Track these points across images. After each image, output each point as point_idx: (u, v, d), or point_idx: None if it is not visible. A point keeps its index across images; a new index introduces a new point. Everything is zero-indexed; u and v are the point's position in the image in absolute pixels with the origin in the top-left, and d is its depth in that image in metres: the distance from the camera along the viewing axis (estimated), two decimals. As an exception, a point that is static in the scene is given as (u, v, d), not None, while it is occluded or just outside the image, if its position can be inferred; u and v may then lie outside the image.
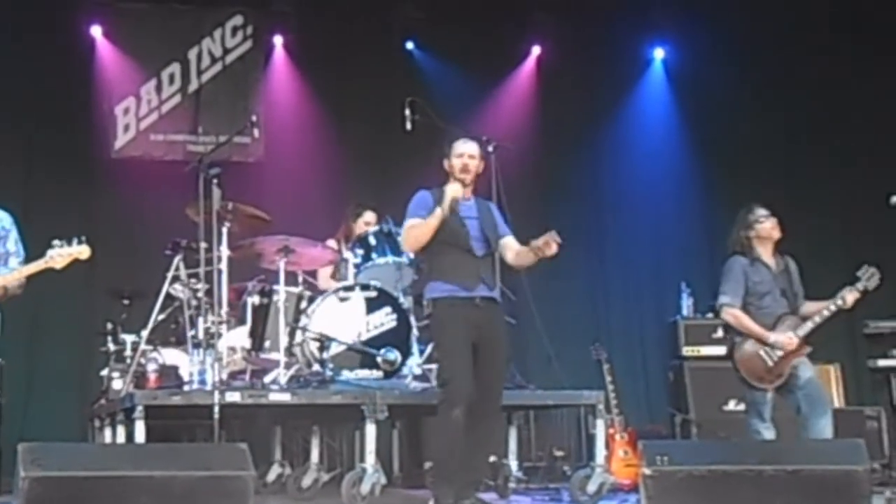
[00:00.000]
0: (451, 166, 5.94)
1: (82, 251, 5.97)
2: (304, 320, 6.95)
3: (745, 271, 6.61)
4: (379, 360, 6.82)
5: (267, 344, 7.06)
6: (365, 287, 6.95)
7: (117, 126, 9.99)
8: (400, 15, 10.38)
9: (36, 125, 9.70)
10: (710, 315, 8.79)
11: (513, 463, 7.21)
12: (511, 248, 5.98)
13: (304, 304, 7.10)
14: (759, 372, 6.49)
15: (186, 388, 6.74)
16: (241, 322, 7.28)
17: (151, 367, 7.14)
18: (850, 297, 6.50)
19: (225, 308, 6.89)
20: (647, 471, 5.19)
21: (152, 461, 4.82)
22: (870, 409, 8.82)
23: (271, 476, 7.75)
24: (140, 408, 6.02)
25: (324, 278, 7.75)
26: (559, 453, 9.01)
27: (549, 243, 5.64)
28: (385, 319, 6.92)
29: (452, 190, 5.82)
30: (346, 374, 6.76)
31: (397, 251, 7.10)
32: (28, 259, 6.07)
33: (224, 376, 6.67)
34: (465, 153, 5.95)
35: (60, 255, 5.91)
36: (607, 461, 7.24)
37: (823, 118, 10.45)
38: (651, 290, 10.45)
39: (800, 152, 10.51)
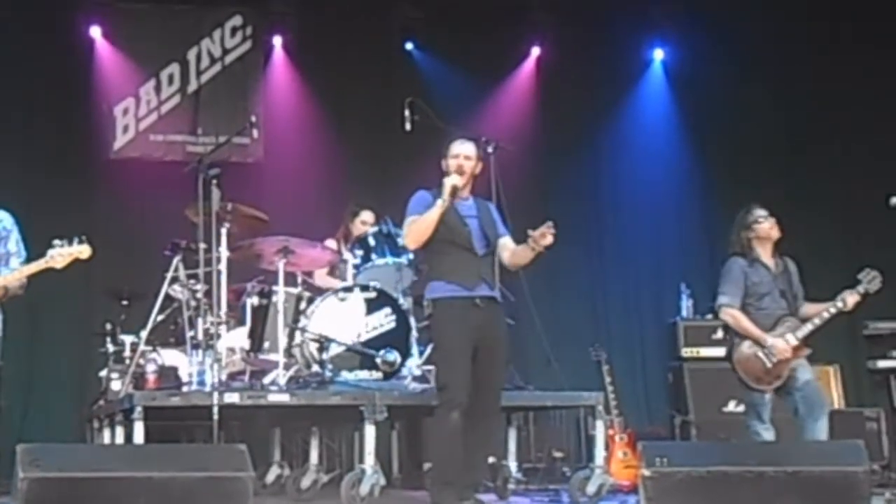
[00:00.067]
0: (447, 166, 5.93)
1: (83, 251, 5.97)
2: (303, 321, 6.95)
3: (744, 272, 6.61)
4: (378, 361, 6.81)
5: (266, 345, 7.05)
6: (364, 288, 6.95)
7: (116, 127, 9.98)
8: (400, 15, 10.38)
9: (35, 126, 9.70)
10: (709, 316, 8.79)
11: (512, 464, 7.20)
12: (507, 247, 5.97)
13: (303, 305, 7.09)
14: (757, 373, 6.48)
15: (185, 389, 6.74)
16: (241, 323, 7.29)
17: (150, 367, 7.14)
18: (850, 299, 6.49)
19: (224, 309, 6.89)
20: (646, 472, 5.19)
21: (151, 462, 4.83)
22: (869, 411, 8.82)
23: (270, 477, 7.75)
24: (139, 409, 6.01)
25: (320, 275, 7.75)
26: (558, 454, 9.02)
27: (545, 234, 5.65)
28: (384, 320, 6.92)
29: (452, 179, 5.81)
30: (346, 375, 6.75)
31: (397, 252, 7.09)
32: (29, 259, 6.06)
33: (223, 377, 6.67)
34: (461, 154, 5.93)
35: (61, 254, 5.90)
36: (607, 462, 7.22)
37: (823, 118, 10.45)
38: (651, 291, 10.45)
39: (800, 152, 10.51)
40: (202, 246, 6.81)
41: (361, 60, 10.12)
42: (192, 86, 10.15)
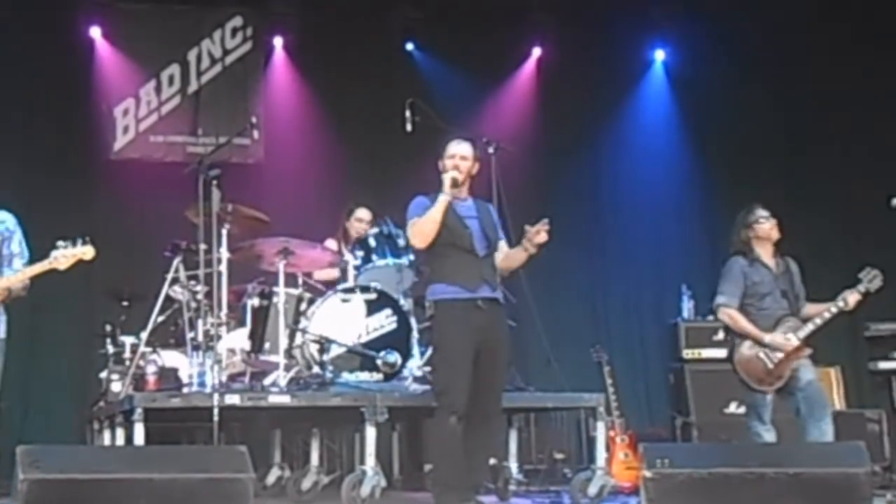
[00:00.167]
0: (443, 167, 5.92)
1: (86, 251, 5.95)
2: (303, 322, 6.94)
3: (744, 272, 6.60)
4: (379, 362, 6.81)
5: (266, 346, 7.05)
6: (365, 289, 6.94)
7: (116, 127, 9.98)
8: (400, 16, 10.37)
9: (35, 126, 9.70)
10: (710, 317, 8.71)
11: (513, 465, 7.19)
12: (500, 250, 5.99)
13: (303, 306, 7.09)
14: (758, 374, 6.47)
15: (186, 390, 6.73)
16: (241, 324, 7.28)
17: (151, 369, 7.13)
18: (851, 298, 6.48)
19: (224, 310, 6.89)
20: (647, 473, 5.19)
21: (151, 464, 4.83)
22: (870, 412, 8.80)
23: (271, 479, 7.74)
24: (139, 410, 6.00)
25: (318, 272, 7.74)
26: (559, 456, 9.02)
27: (540, 231, 5.67)
28: (385, 321, 6.91)
29: (451, 172, 5.80)
30: (346, 377, 6.75)
31: (397, 253, 7.09)
32: (32, 260, 6.05)
33: (223, 378, 6.66)
34: (457, 154, 5.91)
35: (64, 255, 5.89)
36: (608, 464, 7.22)
37: (823, 118, 10.45)
38: (651, 292, 10.45)
39: (800, 153, 10.51)
40: (202, 247, 6.81)
41: (362, 61, 10.12)
42: (193, 86, 10.15)
